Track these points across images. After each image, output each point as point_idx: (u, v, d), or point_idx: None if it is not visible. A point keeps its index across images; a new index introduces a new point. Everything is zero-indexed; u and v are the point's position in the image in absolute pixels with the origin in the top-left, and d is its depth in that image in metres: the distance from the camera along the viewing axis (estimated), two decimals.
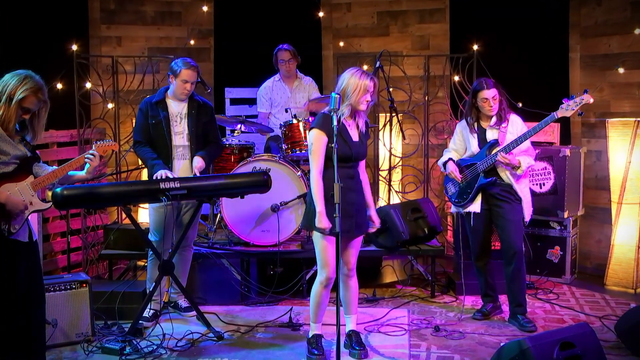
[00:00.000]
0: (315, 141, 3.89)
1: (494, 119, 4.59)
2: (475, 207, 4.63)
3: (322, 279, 3.97)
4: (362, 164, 4.15)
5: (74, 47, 5.66)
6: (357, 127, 4.03)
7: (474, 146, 4.65)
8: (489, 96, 4.50)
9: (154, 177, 4.47)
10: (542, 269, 5.72)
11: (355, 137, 4.00)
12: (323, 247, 3.92)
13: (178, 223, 4.74)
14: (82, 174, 3.71)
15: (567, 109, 4.35)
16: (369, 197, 4.17)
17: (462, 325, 4.64)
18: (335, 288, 3.61)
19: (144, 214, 6.02)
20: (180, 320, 4.77)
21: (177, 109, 4.72)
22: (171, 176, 4.47)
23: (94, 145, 3.80)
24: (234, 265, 5.34)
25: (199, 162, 4.65)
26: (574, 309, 4.98)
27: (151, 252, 4.71)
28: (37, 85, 3.35)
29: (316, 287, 4.02)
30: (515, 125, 4.57)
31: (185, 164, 4.73)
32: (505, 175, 4.55)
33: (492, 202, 4.61)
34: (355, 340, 4.14)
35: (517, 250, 4.55)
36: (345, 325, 4.21)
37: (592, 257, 5.93)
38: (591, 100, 4.34)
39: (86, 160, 3.70)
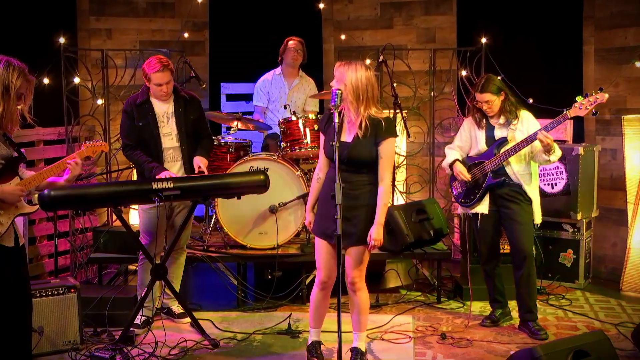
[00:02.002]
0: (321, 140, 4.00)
1: (502, 117, 4.51)
2: (483, 207, 4.57)
3: (317, 281, 4.00)
4: (380, 172, 3.74)
5: (62, 40, 5.55)
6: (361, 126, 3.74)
7: (481, 144, 4.56)
8: (482, 100, 4.45)
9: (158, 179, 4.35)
10: (554, 273, 5.64)
11: (348, 137, 3.78)
12: (315, 248, 3.95)
13: (170, 225, 4.67)
14: (60, 181, 3.63)
15: (580, 108, 4.26)
16: (376, 211, 3.75)
17: (469, 332, 4.60)
18: (336, 294, 3.55)
19: (136, 216, 5.99)
20: (173, 327, 4.70)
21: (163, 108, 4.60)
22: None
23: (82, 146, 3.72)
24: (230, 270, 5.29)
25: (199, 161, 4.57)
26: (588, 316, 4.93)
27: (141, 256, 4.63)
28: (20, 67, 3.26)
29: (313, 289, 4.06)
30: (526, 123, 4.48)
31: (176, 167, 4.62)
32: (515, 175, 4.46)
33: (501, 203, 4.53)
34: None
35: (527, 254, 4.49)
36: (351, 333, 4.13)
37: (607, 261, 5.85)
38: (605, 99, 4.25)
39: (67, 166, 3.61)
